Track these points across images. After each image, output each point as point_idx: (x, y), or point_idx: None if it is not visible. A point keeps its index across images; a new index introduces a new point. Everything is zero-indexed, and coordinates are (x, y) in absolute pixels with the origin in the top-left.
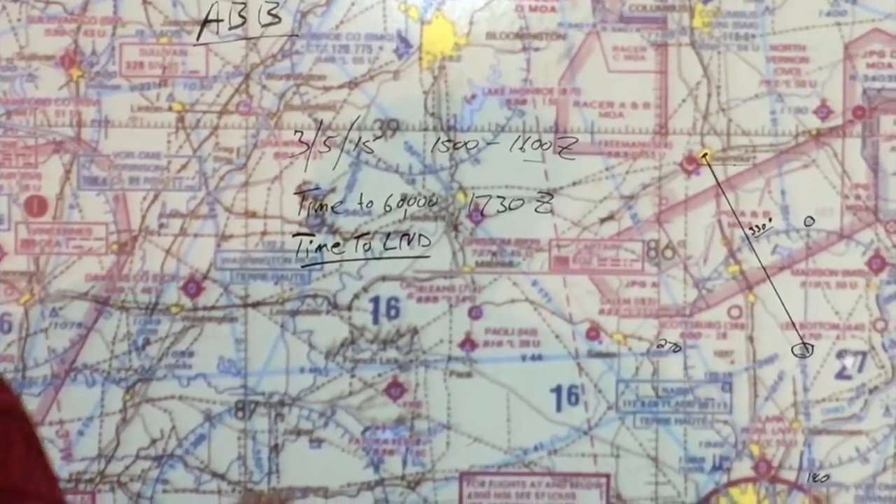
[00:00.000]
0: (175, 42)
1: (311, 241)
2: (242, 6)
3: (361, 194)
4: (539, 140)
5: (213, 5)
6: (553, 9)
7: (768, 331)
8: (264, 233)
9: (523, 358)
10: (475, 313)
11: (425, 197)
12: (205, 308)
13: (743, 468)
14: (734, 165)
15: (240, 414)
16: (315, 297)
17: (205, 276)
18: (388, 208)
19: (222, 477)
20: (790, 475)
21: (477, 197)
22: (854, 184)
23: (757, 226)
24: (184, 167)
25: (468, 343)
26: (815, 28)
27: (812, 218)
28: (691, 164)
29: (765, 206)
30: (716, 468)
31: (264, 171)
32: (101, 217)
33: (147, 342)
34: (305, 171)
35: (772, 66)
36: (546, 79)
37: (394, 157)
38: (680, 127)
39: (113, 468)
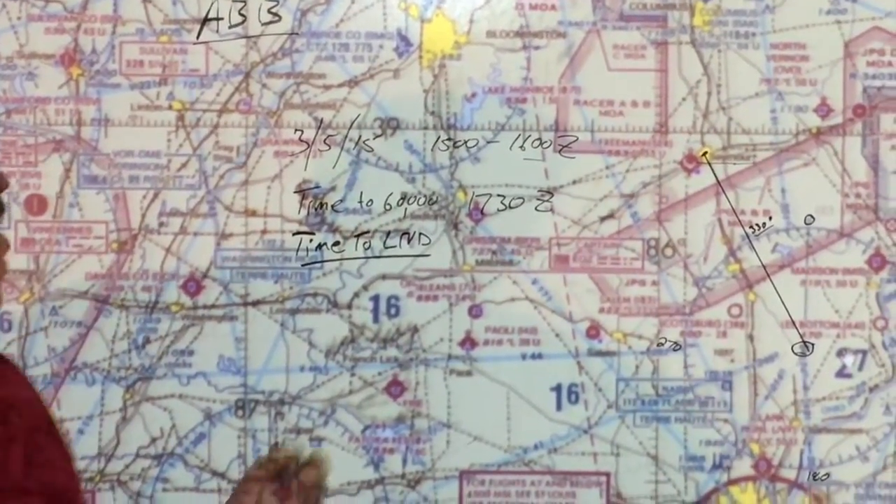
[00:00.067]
0: (175, 40)
1: (311, 240)
2: (242, 4)
3: (361, 193)
4: (539, 138)
5: (213, 4)
6: (553, 7)
7: (768, 329)
8: (264, 231)
9: (523, 356)
10: (475, 312)
11: (425, 195)
12: (205, 307)
13: (743, 467)
14: (734, 164)
15: (240, 412)
16: (315, 295)
17: (205, 275)
18: (388, 207)
19: (222, 476)
20: (790, 474)
21: (477, 195)
22: (854, 182)
23: (757, 224)
24: (184, 166)
25: (468, 342)
26: (816, 26)
27: (812, 216)
28: (691, 162)
29: (765, 205)
30: (716, 467)
31: (264, 170)
32: (101, 216)
33: (147, 341)
34: (305, 169)
35: (772, 65)
36: (546, 77)
37: (394, 155)
38: (680, 125)
39: (113, 467)
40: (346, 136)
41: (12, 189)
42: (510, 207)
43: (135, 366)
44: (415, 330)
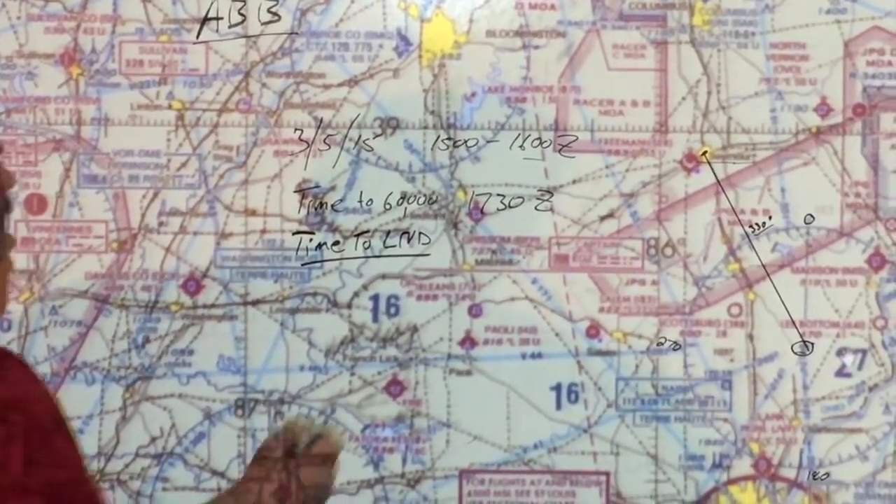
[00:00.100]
0: (175, 40)
1: (310, 240)
2: (242, 4)
3: (361, 192)
4: (539, 138)
5: (212, 3)
6: (553, 6)
7: (768, 329)
8: (264, 231)
9: (523, 356)
10: (475, 311)
11: (425, 195)
12: (204, 306)
13: (743, 466)
14: (734, 163)
15: (239, 412)
16: (315, 295)
17: (204, 274)
18: (387, 206)
19: (222, 475)
20: (790, 473)
21: (477, 195)
22: (854, 181)
23: (757, 224)
24: (183, 165)
25: (468, 341)
26: (815, 26)
27: (812, 216)
28: (691, 161)
29: (765, 204)
30: (715, 466)
31: (264, 169)
32: (100, 215)
33: (147, 340)
34: (305, 169)
35: (772, 64)
36: (546, 77)
37: (394, 155)
38: (680, 125)
39: (113, 466)
40: (345, 136)
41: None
42: (510, 207)
43: (134, 365)
44: (414, 329)
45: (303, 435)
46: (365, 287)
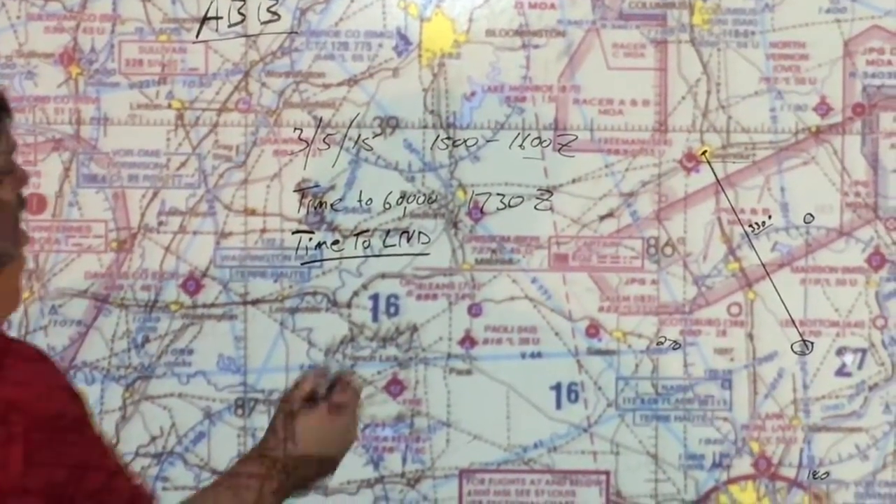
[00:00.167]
0: (174, 39)
1: (310, 239)
2: (242, 3)
3: (361, 192)
4: (538, 137)
5: (212, 3)
6: (553, 6)
7: (768, 328)
8: (264, 230)
9: (523, 355)
10: (475, 311)
11: (425, 194)
12: (204, 305)
13: (743, 465)
14: (734, 163)
15: (239, 411)
16: (314, 294)
17: (204, 274)
18: (387, 206)
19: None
20: (790, 472)
21: (476, 194)
22: (854, 181)
23: (756, 223)
24: (183, 165)
25: (468, 340)
26: (815, 25)
27: (812, 215)
28: (691, 161)
29: (764, 204)
30: (715, 465)
31: (264, 169)
32: (100, 215)
33: (146, 340)
34: (305, 168)
35: (771, 64)
36: (545, 76)
37: (393, 154)
38: (679, 124)
39: None
40: (345, 135)
41: None
42: (509, 206)
43: (134, 365)
44: (414, 329)
45: (321, 382)
46: (365, 286)
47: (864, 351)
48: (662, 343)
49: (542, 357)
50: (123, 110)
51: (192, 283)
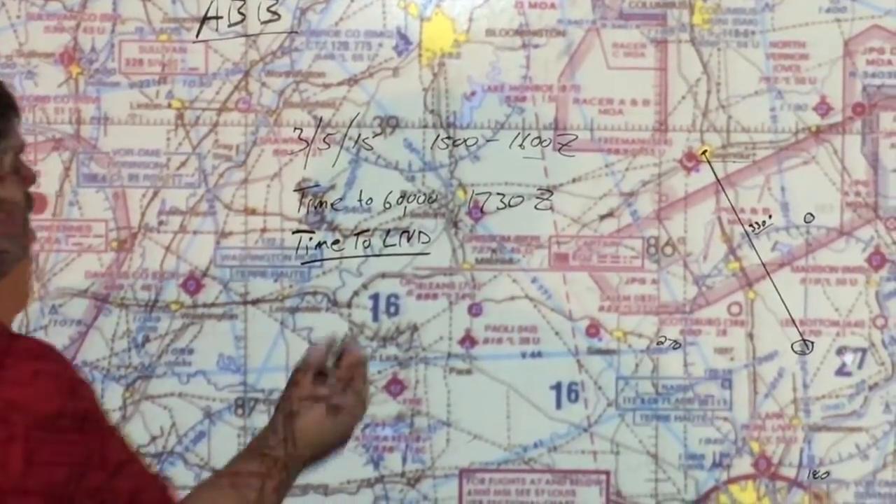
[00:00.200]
0: (174, 39)
1: (310, 239)
2: (242, 3)
3: (361, 191)
4: (539, 137)
5: (212, 2)
6: (553, 5)
7: (768, 328)
8: (264, 230)
9: (523, 355)
10: (475, 310)
11: (425, 194)
12: (204, 305)
13: (743, 465)
14: (734, 162)
15: (239, 411)
16: (315, 294)
17: (204, 274)
18: (387, 205)
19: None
20: (790, 472)
21: (477, 194)
22: (854, 180)
23: (757, 222)
24: (183, 164)
25: (468, 340)
26: (815, 24)
27: (812, 215)
28: (691, 160)
29: (764, 203)
30: (716, 465)
31: (264, 169)
32: (100, 214)
33: (147, 339)
34: (305, 168)
35: (771, 63)
36: (546, 76)
37: (393, 154)
38: (679, 124)
39: None
40: (345, 135)
41: None
42: (510, 206)
43: (134, 364)
44: (414, 328)
45: (328, 354)
46: (365, 286)
47: (864, 350)
48: (662, 343)
49: (542, 357)
50: (123, 110)
51: (193, 283)
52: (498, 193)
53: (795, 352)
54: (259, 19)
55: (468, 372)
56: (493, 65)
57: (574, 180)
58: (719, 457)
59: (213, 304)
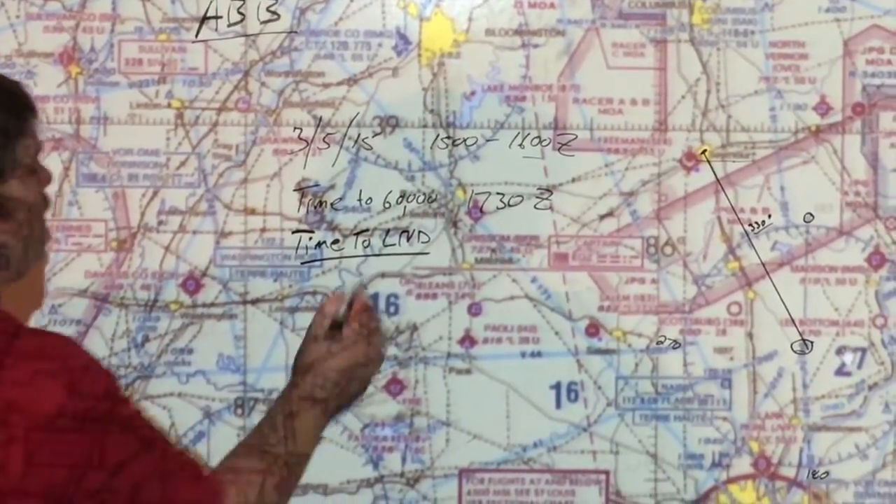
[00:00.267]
0: (174, 39)
1: (310, 238)
2: (241, 3)
3: (361, 191)
4: (538, 137)
5: (211, 2)
6: (552, 5)
7: (768, 327)
8: (263, 230)
9: (523, 355)
10: (474, 310)
11: (424, 194)
12: (204, 305)
13: (742, 465)
14: (733, 162)
15: (239, 411)
16: (314, 293)
17: (204, 273)
18: (387, 205)
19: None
20: (790, 472)
21: (476, 194)
22: (853, 180)
23: (756, 222)
24: (183, 164)
25: (467, 340)
26: (815, 24)
27: (811, 214)
28: (691, 160)
29: (764, 203)
30: (715, 465)
31: (263, 168)
32: (100, 214)
33: (146, 339)
34: (305, 167)
35: (771, 63)
36: (545, 75)
37: (393, 153)
38: (679, 123)
39: None
40: (345, 135)
41: None
42: (509, 205)
43: (134, 364)
44: (414, 328)
45: (340, 305)
46: (365, 286)
47: (863, 350)
48: (662, 342)
49: (541, 356)
50: (123, 110)
51: (192, 283)
52: (497, 193)
53: (795, 351)
54: (258, 19)
55: (468, 372)
56: (493, 64)
57: (574, 180)
58: (719, 456)
59: (212, 304)
